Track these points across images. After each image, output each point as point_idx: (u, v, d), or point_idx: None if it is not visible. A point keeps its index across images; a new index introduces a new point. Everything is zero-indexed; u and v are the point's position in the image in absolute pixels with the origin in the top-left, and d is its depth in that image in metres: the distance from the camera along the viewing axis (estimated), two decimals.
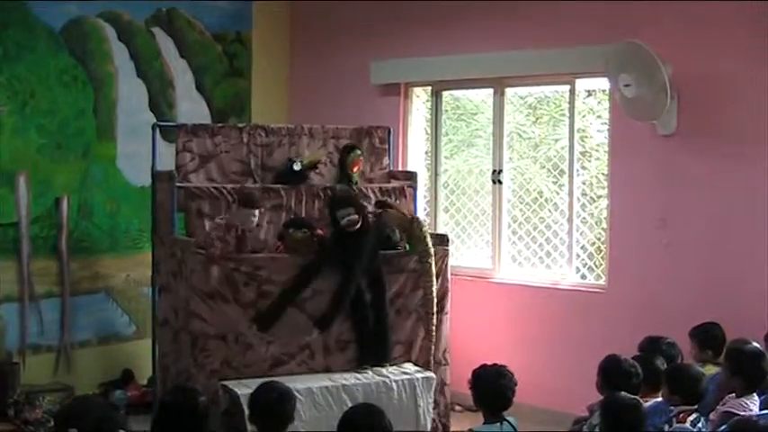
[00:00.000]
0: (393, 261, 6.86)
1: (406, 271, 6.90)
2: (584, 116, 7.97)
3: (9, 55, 7.64)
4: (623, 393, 5.12)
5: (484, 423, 5.33)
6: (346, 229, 6.54)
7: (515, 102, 8.38)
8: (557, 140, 8.14)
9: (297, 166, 7.04)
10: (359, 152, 7.29)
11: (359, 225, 6.57)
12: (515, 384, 5.36)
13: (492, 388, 5.33)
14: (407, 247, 6.98)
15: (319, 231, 6.81)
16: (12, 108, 7.67)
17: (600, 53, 7.20)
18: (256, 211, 6.59)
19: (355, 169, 7.26)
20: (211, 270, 6.32)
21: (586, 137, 8.00)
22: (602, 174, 7.82)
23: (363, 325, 6.70)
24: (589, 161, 7.99)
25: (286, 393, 5.27)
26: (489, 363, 5.51)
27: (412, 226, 6.89)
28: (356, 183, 7.24)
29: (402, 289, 6.89)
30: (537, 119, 8.37)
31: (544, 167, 8.21)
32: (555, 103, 8.22)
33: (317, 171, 7.25)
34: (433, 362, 6.92)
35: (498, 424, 5.28)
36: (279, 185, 7.02)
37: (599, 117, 7.93)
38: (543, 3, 7.71)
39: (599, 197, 7.87)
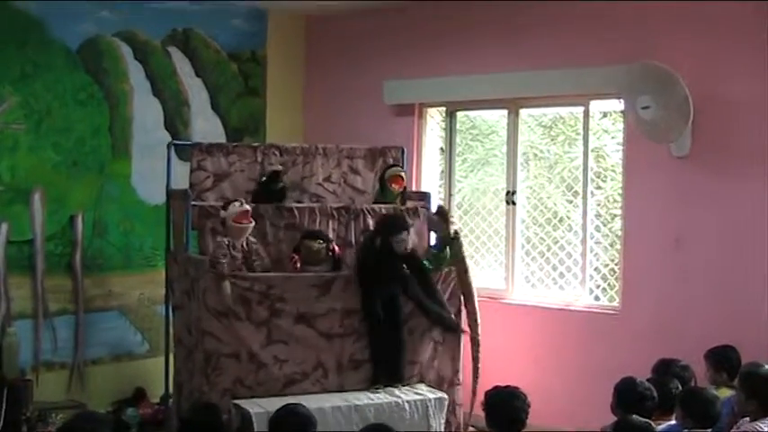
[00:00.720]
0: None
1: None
2: (599, 137, 7.96)
3: (26, 73, 7.69)
4: (635, 416, 5.09)
5: None
6: (399, 253, 6.67)
7: (530, 122, 8.38)
8: (572, 160, 8.13)
9: (263, 179, 7.09)
10: (399, 170, 7.34)
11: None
12: (528, 406, 5.33)
13: (505, 409, 5.30)
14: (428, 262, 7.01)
15: (335, 247, 6.85)
16: (28, 126, 7.71)
17: (614, 74, 7.21)
18: (250, 226, 6.61)
19: (395, 186, 7.30)
20: (223, 287, 6.33)
21: (602, 157, 7.98)
22: (618, 194, 7.80)
23: (379, 344, 6.70)
24: (605, 181, 7.98)
25: (308, 419, 5.22)
26: (502, 384, 5.49)
27: (454, 242, 7.01)
28: (394, 199, 7.32)
29: (416, 308, 6.91)
30: (552, 138, 8.36)
31: (559, 188, 8.19)
32: (570, 124, 8.21)
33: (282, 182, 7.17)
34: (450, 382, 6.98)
35: None
36: (293, 205, 7.03)
37: (614, 138, 7.92)
38: (557, 24, 7.73)
39: (614, 218, 7.85)
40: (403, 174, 7.38)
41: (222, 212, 6.59)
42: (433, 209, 7.35)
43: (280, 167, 7.15)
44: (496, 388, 5.44)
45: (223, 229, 6.60)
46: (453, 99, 8.52)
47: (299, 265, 6.75)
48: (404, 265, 6.76)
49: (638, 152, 7.41)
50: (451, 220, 7.15)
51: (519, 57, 8.00)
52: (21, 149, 7.67)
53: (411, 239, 6.99)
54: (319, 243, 6.76)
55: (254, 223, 6.64)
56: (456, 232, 7.08)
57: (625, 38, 7.37)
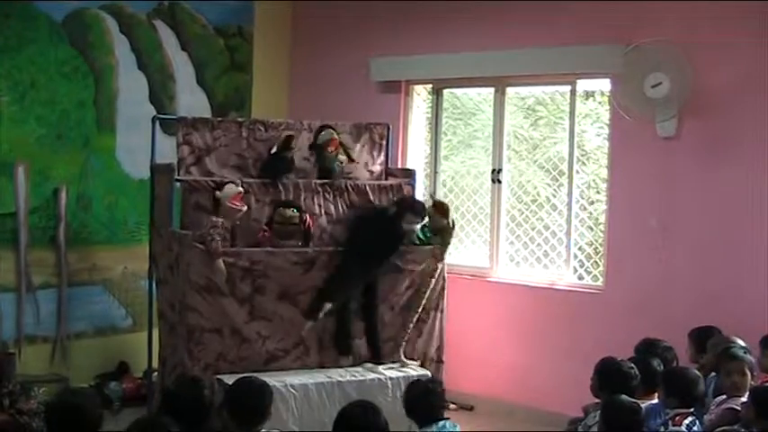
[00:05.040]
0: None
1: (404, 270, 6.96)
2: (581, 118, 7.96)
3: (10, 45, 7.62)
4: (624, 396, 5.12)
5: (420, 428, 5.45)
6: (404, 232, 6.76)
7: (515, 103, 8.37)
8: (555, 143, 8.13)
9: (273, 150, 6.98)
10: (331, 131, 7.17)
11: None
12: (444, 401, 5.55)
13: (421, 403, 5.47)
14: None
15: (308, 218, 6.84)
16: (12, 98, 7.65)
17: (605, 54, 7.24)
18: (243, 208, 6.55)
19: (332, 149, 7.15)
20: (217, 264, 6.31)
21: (584, 140, 7.99)
22: (599, 177, 7.83)
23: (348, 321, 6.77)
24: (585, 164, 7.98)
25: (262, 388, 5.24)
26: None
27: (446, 233, 7.08)
28: (340, 164, 7.19)
29: (397, 287, 6.94)
30: (535, 120, 8.36)
31: (543, 168, 8.20)
32: (554, 106, 8.21)
33: (296, 150, 7.10)
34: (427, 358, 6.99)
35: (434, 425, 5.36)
36: (281, 180, 7.01)
37: (596, 120, 7.93)
38: (546, 2, 7.71)
39: (596, 200, 7.86)
40: (336, 135, 7.18)
41: (217, 192, 6.52)
42: (420, 196, 7.40)
43: (292, 133, 7.06)
44: (416, 383, 5.73)
45: (216, 208, 6.54)
46: (440, 77, 8.50)
47: (267, 234, 6.74)
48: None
49: (623, 133, 7.41)
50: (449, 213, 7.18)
51: (506, 35, 7.98)
52: (4, 122, 7.61)
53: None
54: (292, 211, 6.75)
55: (246, 207, 6.60)
56: (453, 223, 7.12)
57: (612, 18, 7.36)
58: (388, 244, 6.79)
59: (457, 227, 7.30)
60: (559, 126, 8.10)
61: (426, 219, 6.96)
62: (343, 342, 6.74)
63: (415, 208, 6.90)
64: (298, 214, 6.77)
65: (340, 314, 6.73)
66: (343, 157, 7.16)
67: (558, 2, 7.64)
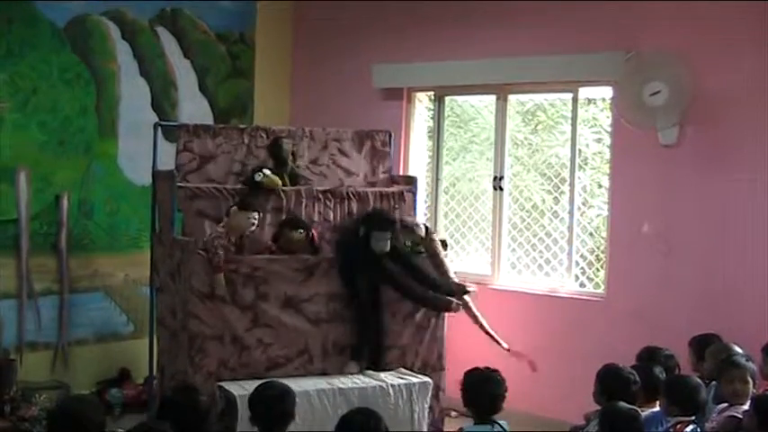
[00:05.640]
0: None
1: None
2: (580, 122, 7.96)
3: (12, 52, 7.64)
4: (622, 403, 5.12)
5: (474, 424, 5.39)
6: (376, 252, 6.61)
7: (518, 108, 8.36)
8: (552, 147, 8.13)
9: (258, 177, 6.83)
10: (287, 142, 7.13)
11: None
12: (505, 390, 5.40)
13: (480, 392, 5.39)
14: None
15: (314, 233, 6.82)
16: (14, 105, 7.67)
17: (608, 61, 7.24)
18: (255, 214, 6.55)
19: (289, 160, 7.14)
20: (218, 279, 6.30)
21: (582, 146, 7.99)
22: (596, 183, 7.82)
23: (364, 328, 6.72)
24: (583, 170, 7.98)
25: (286, 391, 5.28)
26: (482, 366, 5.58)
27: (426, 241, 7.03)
28: (297, 168, 7.18)
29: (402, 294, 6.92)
30: (535, 126, 8.36)
31: (545, 175, 8.20)
32: (553, 110, 8.21)
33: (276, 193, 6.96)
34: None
35: (489, 426, 5.30)
36: (281, 188, 7.00)
37: (594, 126, 7.92)
38: (548, 10, 7.70)
39: (591, 206, 7.86)
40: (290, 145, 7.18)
41: (234, 209, 6.51)
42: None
43: (278, 185, 6.91)
44: (475, 370, 5.51)
45: (225, 218, 6.54)
46: (442, 84, 8.50)
47: (274, 250, 6.73)
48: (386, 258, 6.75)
49: (624, 140, 7.41)
50: (416, 226, 7.08)
51: (508, 42, 7.98)
52: (6, 128, 7.63)
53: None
54: (299, 233, 6.73)
55: (258, 215, 6.59)
56: (427, 229, 7.09)
57: (613, 26, 7.36)
58: (364, 261, 6.70)
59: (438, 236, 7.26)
60: (558, 130, 8.09)
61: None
62: (361, 349, 6.72)
63: (380, 221, 6.74)
64: (304, 235, 6.75)
65: (365, 320, 6.71)
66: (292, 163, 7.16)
67: (560, 10, 7.64)
